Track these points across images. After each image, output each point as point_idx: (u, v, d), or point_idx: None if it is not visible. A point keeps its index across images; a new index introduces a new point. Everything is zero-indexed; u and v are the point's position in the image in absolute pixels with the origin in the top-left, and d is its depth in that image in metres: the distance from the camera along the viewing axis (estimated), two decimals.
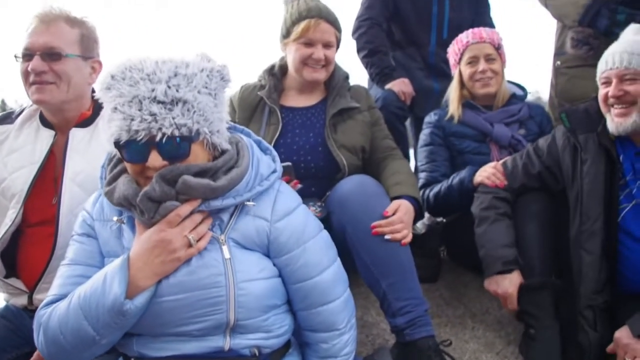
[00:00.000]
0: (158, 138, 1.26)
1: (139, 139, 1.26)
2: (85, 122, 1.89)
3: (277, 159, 1.58)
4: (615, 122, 1.87)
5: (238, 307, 1.34)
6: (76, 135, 1.86)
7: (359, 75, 3.12)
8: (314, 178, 2.15)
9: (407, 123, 3.30)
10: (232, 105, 2.33)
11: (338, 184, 1.99)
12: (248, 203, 1.41)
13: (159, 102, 1.26)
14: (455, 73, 2.58)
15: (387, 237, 1.79)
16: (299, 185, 1.96)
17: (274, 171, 1.51)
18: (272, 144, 2.13)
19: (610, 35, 2.50)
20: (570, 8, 2.67)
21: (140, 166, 1.31)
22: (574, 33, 2.69)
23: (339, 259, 1.59)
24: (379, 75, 2.95)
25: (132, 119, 1.25)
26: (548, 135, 2.16)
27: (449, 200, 2.31)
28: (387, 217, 1.83)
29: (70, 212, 1.74)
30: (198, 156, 1.35)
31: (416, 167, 2.65)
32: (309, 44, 2.17)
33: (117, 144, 1.29)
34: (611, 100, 1.88)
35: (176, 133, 1.27)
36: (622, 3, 2.55)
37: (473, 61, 2.48)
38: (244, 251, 1.40)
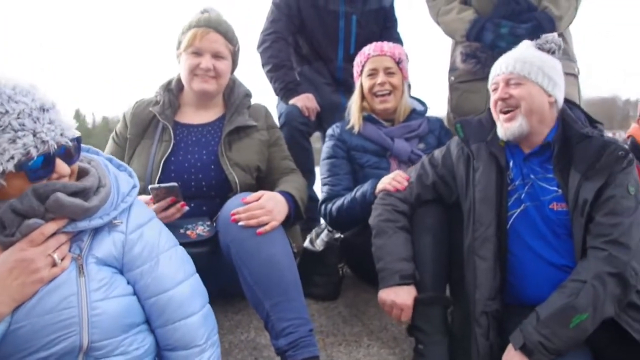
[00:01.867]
0: (64, 143, 1.27)
1: (51, 150, 1.25)
2: None
3: (134, 174, 1.55)
4: (504, 127, 1.94)
5: (92, 328, 1.29)
6: None
7: None
8: (205, 197, 2.11)
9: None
10: (124, 120, 2.27)
11: (226, 203, 1.95)
12: (116, 221, 1.39)
13: (46, 109, 1.25)
14: (357, 84, 2.59)
15: (240, 223, 1.79)
16: (186, 208, 1.94)
17: (134, 186, 1.49)
18: (163, 162, 2.09)
19: (496, 48, 2.62)
20: (458, 24, 2.78)
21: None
22: (462, 48, 2.79)
23: (197, 274, 1.56)
24: (283, 90, 2.95)
25: (35, 133, 1.22)
26: (443, 146, 2.19)
27: (352, 213, 2.28)
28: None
29: None
30: None
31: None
32: (198, 53, 2.14)
33: (20, 165, 1.23)
34: (499, 104, 1.95)
35: (71, 135, 1.30)
36: (504, 17, 2.67)
37: (373, 73, 2.49)
38: (102, 268, 1.35)
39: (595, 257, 1.73)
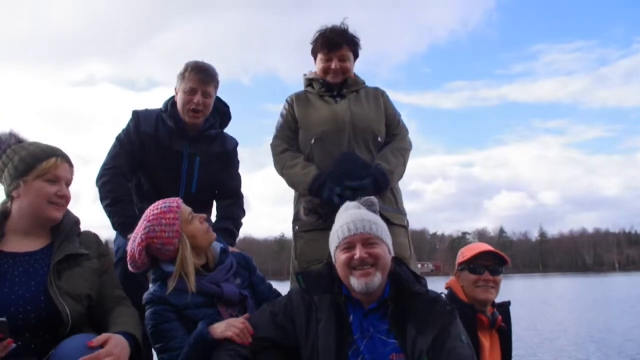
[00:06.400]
0: None
1: None
2: None
3: None
4: (362, 281, 2.15)
5: None
6: None
7: None
8: (34, 332, 2.05)
9: None
10: None
11: (61, 343, 1.93)
12: None
13: None
14: (181, 241, 2.42)
15: None
16: (13, 345, 1.86)
17: None
18: None
19: (332, 204, 2.93)
20: (302, 178, 3.12)
21: None
22: (305, 203, 3.08)
23: None
24: (122, 225, 2.98)
25: None
26: (285, 295, 2.37)
27: None
28: (93, 350, 1.87)
29: None
30: None
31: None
32: (54, 181, 2.22)
33: None
34: (355, 263, 2.17)
35: None
36: (343, 173, 3.01)
37: (193, 217, 2.50)
38: None
39: None
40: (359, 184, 3.01)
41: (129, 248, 2.46)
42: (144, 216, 2.48)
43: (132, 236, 2.47)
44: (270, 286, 2.69)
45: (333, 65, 3.27)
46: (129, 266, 2.47)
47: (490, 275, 2.66)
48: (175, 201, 2.50)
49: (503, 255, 2.72)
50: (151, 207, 2.49)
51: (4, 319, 1.85)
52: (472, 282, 2.67)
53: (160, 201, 2.50)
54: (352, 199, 2.55)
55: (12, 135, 2.30)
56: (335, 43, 3.27)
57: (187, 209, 2.50)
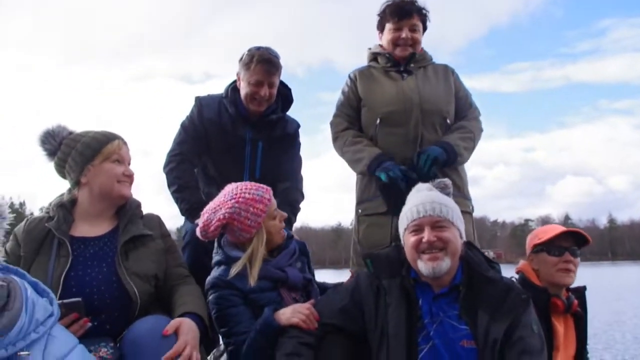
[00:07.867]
0: None
1: None
2: None
3: (55, 301, 1.59)
4: (429, 265, 2.12)
5: None
6: None
7: None
8: (109, 313, 2.16)
9: None
10: (15, 238, 2.28)
11: (132, 326, 2.01)
12: (22, 353, 1.36)
13: None
14: (258, 233, 2.44)
15: None
16: (89, 324, 1.98)
17: (51, 315, 1.51)
18: (63, 278, 2.13)
19: (380, 181, 2.94)
20: (363, 154, 3.08)
21: None
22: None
23: None
24: (189, 210, 3.04)
25: None
26: (351, 279, 2.36)
27: (259, 349, 2.24)
28: (166, 337, 1.94)
29: None
30: None
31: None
32: (120, 161, 2.36)
33: None
34: (424, 246, 2.14)
35: None
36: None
37: (277, 214, 2.54)
38: None
39: None
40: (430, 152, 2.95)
41: (205, 217, 2.46)
42: (233, 192, 2.46)
43: (213, 206, 2.48)
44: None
45: (404, 34, 3.18)
46: (198, 232, 2.48)
47: (571, 257, 2.53)
48: (268, 192, 2.50)
49: (584, 234, 2.57)
50: (243, 188, 2.48)
51: (79, 299, 1.95)
52: (551, 264, 2.53)
53: (254, 185, 2.51)
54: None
55: (62, 128, 2.41)
56: (407, 11, 3.19)
57: (274, 204, 2.52)
